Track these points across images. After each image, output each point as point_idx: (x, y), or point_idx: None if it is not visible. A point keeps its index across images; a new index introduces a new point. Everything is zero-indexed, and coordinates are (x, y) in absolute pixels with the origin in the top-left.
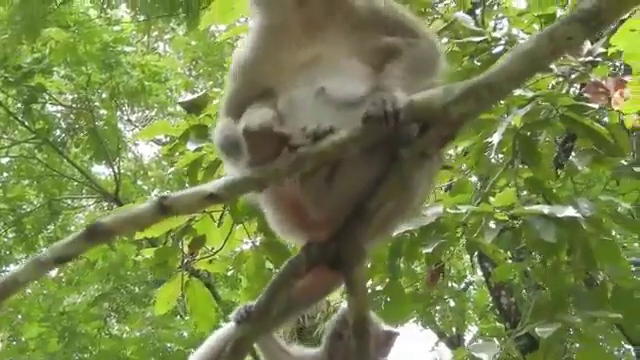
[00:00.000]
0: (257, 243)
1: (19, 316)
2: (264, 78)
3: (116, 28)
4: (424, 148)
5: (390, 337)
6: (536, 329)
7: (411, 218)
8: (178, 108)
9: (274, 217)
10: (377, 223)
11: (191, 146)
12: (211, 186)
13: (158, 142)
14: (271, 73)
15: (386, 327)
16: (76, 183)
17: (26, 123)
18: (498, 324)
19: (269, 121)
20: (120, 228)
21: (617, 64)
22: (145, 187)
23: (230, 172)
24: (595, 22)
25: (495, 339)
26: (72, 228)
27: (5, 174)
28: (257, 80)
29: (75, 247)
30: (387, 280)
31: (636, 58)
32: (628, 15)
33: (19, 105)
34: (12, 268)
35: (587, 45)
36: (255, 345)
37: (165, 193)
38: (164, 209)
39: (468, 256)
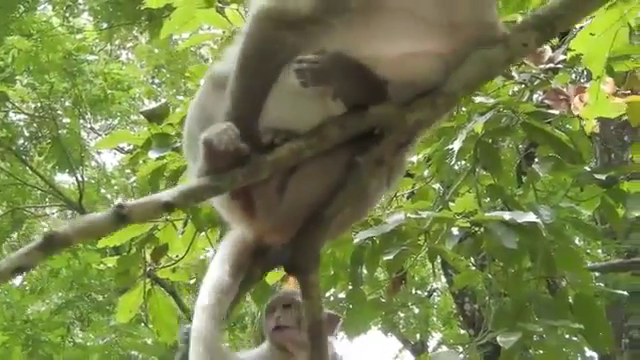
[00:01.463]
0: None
1: None
2: None
3: (79, 36)
4: (380, 155)
5: (332, 320)
6: (498, 338)
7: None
8: (141, 116)
9: (229, 214)
10: (333, 228)
11: (153, 155)
12: (167, 194)
13: (121, 150)
14: None
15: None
16: (39, 191)
17: None
18: (462, 331)
19: (230, 140)
20: (77, 237)
21: (579, 71)
22: (109, 195)
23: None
24: (549, 29)
25: (459, 346)
26: (35, 236)
27: None
28: None
29: (32, 257)
30: (349, 287)
31: (595, 62)
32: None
33: None
34: None
35: (548, 52)
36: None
37: (121, 202)
38: (121, 218)
39: (430, 264)
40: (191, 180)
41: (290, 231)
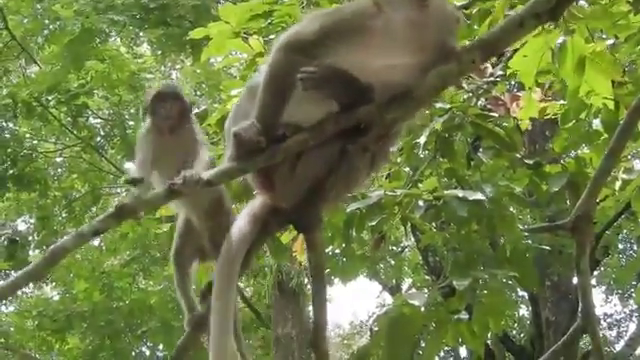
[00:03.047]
0: None
1: (71, 275)
2: None
3: (140, 60)
4: (365, 144)
5: None
6: (454, 282)
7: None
8: None
9: (254, 186)
10: (330, 198)
11: None
12: (207, 174)
13: None
14: None
15: None
16: (112, 176)
17: (74, 132)
18: (427, 277)
19: (253, 134)
20: (141, 207)
21: (512, 83)
22: None
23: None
24: (490, 50)
25: (425, 288)
26: (110, 209)
27: (59, 170)
28: None
29: (107, 223)
30: (343, 245)
31: (527, 77)
32: (521, 44)
33: (69, 119)
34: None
35: (489, 68)
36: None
37: (172, 181)
38: (172, 193)
39: (403, 227)
40: (225, 163)
41: (299, 199)
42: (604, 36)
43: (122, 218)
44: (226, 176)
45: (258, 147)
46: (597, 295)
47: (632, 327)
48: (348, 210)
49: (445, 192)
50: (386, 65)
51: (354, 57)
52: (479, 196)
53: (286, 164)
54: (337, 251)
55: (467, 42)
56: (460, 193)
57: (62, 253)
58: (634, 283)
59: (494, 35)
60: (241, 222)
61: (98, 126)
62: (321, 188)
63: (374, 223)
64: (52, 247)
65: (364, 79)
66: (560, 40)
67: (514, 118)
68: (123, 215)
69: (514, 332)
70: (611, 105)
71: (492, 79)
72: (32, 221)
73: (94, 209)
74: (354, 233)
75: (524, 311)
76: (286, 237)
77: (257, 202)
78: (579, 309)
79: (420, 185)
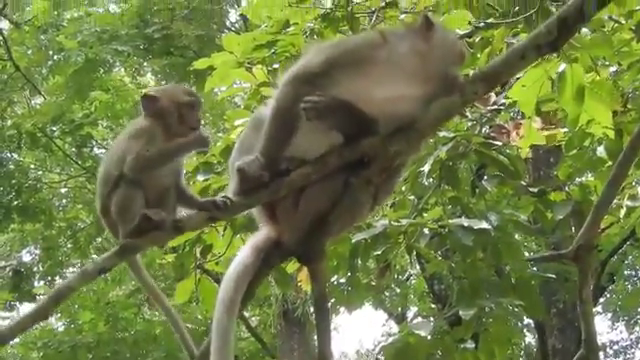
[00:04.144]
0: None
1: (76, 306)
2: None
3: (144, 90)
4: (369, 177)
5: None
6: (460, 311)
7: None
8: None
9: (258, 218)
10: (333, 230)
11: (200, 177)
12: (218, 212)
13: None
14: None
15: None
16: None
17: (79, 162)
18: (432, 305)
19: (256, 169)
20: (145, 246)
21: (516, 110)
22: None
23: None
24: (492, 81)
25: (431, 317)
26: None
27: (64, 200)
28: None
29: (111, 260)
30: (348, 274)
31: (527, 106)
32: (520, 74)
33: (73, 149)
34: (70, 270)
35: (493, 97)
36: None
37: (178, 217)
38: (178, 229)
39: (408, 256)
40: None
41: (302, 232)
42: (607, 63)
43: (126, 255)
44: (230, 211)
45: (262, 182)
46: (603, 322)
47: (638, 354)
48: (353, 240)
49: (450, 221)
50: (390, 96)
51: (359, 88)
52: (484, 225)
53: (290, 197)
54: (342, 280)
55: (469, 71)
56: (465, 222)
57: (67, 292)
58: None
59: (496, 67)
60: (244, 253)
61: (102, 156)
62: (324, 221)
63: (379, 252)
64: (58, 286)
65: (368, 111)
66: (559, 69)
67: (516, 146)
68: (127, 252)
69: None
70: (611, 134)
71: (496, 107)
72: (37, 252)
73: (99, 239)
74: (359, 262)
75: (530, 339)
76: (291, 267)
77: (260, 234)
78: (583, 337)
79: (425, 214)
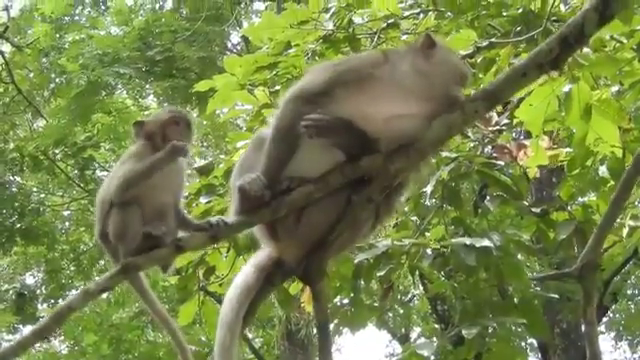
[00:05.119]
0: None
1: (79, 328)
2: None
3: (146, 112)
4: (370, 195)
5: None
6: (462, 331)
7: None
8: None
9: (260, 237)
10: (334, 249)
11: (203, 199)
12: (212, 230)
13: None
14: None
15: None
16: None
17: (81, 185)
18: (436, 325)
19: (258, 188)
20: (146, 265)
21: (517, 130)
22: None
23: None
24: (494, 100)
25: (434, 338)
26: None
27: (66, 223)
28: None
29: (114, 280)
30: (351, 295)
31: (534, 126)
32: (527, 93)
33: (76, 172)
34: (73, 292)
35: (495, 117)
36: None
37: (179, 236)
38: (179, 248)
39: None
40: (231, 217)
41: (303, 251)
42: (609, 82)
43: (128, 275)
44: (232, 230)
45: (263, 201)
46: (606, 342)
47: None
48: (356, 260)
49: (453, 241)
50: (392, 115)
51: (360, 106)
52: (487, 243)
53: (291, 216)
54: (345, 301)
55: (472, 91)
56: (468, 242)
57: (68, 312)
58: None
59: (497, 85)
60: (245, 273)
61: (105, 179)
62: (325, 240)
63: (382, 273)
64: (59, 306)
65: (370, 129)
66: (566, 88)
67: (521, 166)
68: (129, 272)
69: None
70: (619, 153)
71: (498, 127)
72: (40, 275)
73: (102, 262)
74: (362, 283)
75: (533, 358)
76: (295, 287)
77: (262, 253)
78: (587, 358)
79: (427, 234)
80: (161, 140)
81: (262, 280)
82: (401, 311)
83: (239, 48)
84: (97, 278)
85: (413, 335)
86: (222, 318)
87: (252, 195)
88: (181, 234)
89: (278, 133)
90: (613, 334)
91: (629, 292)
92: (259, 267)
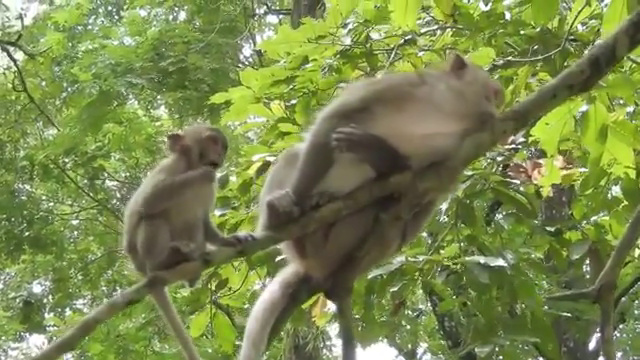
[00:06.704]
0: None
1: (86, 338)
2: None
3: (157, 123)
4: (398, 213)
5: None
6: (476, 349)
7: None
8: None
9: (287, 253)
10: (362, 267)
11: (217, 212)
12: (241, 245)
13: None
14: None
15: None
16: None
17: (91, 194)
18: (443, 342)
19: (287, 204)
20: (174, 279)
21: (532, 150)
22: None
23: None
24: (523, 120)
25: (440, 354)
26: (125, 272)
27: (75, 232)
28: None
29: (140, 292)
30: (363, 311)
31: (550, 145)
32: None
33: (85, 181)
34: (80, 302)
35: (510, 136)
36: None
37: (208, 250)
38: (207, 262)
39: (420, 290)
40: (259, 232)
41: (331, 267)
42: (622, 103)
43: (154, 288)
44: (260, 246)
45: (292, 217)
46: None
47: None
48: (369, 276)
49: (467, 259)
50: (425, 133)
51: (397, 124)
52: (501, 262)
53: (319, 232)
54: (357, 316)
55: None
56: (482, 261)
57: (95, 324)
58: None
59: (527, 106)
60: (272, 289)
61: (114, 189)
62: (353, 257)
63: (395, 289)
64: (85, 318)
65: (403, 147)
66: (583, 108)
67: (535, 185)
68: (155, 285)
69: None
70: (632, 174)
71: (513, 146)
72: (47, 283)
73: (110, 272)
74: (375, 299)
75: None
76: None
77: (289, 270)
78: None
79: (442, 252)
80: (198, 158)
81: (288, 296)
82: (408, 327)
83: (252, 60)
84: (104, 289)
85: (420, 351)
86: (248, 334)
87: (281, 211)
88: (209, 246)
89: (313, 149)
90: (620, 354)
91: (636, 312)
92: (285, 284)
